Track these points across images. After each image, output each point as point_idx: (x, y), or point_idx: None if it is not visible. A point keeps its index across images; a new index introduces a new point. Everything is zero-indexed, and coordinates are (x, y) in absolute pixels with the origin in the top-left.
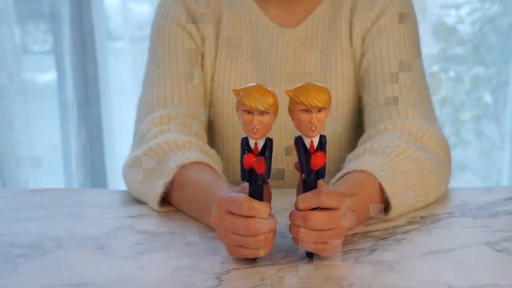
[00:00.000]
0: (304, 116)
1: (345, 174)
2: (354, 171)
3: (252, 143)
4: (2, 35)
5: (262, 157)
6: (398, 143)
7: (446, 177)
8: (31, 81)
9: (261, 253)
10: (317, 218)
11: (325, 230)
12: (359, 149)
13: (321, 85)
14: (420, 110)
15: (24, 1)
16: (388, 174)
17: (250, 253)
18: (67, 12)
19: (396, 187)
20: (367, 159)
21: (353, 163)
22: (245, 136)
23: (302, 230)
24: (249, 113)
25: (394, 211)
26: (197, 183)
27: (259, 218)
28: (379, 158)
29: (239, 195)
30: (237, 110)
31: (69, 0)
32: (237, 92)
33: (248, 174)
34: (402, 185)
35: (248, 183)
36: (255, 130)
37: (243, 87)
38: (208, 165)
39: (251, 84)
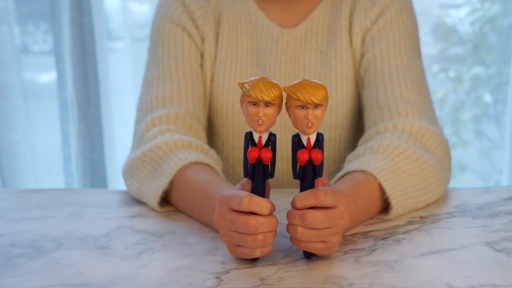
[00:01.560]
0: (300, 113)
1: (345, 174)
2: (354, 171)
3: (256, 137)
4: (2, 35)
5: (268, 148)
6: (398, 143)
7: (446, 177)
8: (31, 81)
9: (258, 253)
10: (315, 217)
11: (323, 228)
12: (359, 149)
13: (318, 81)
14: (420, 110)
15: (24, 1)
16: (388, 175)
17: (247, 253)
18: (67, 12)
19: (396, 187)
20: (367, 159)
21: (353, 163)
22: (249, 131)
23: (299, 229)
24: (254, 105)
25: (394, 211)
26: (197, 183)
27: (260, 213)
28: (379, 158)
29: (240, 191)
30: (242, 104)
31: (69, 0)
32: (242, 85)
33: (251, 170)
34: (402, 185)
35: (250, 180)
36: (260, 122)
37: (247, 80)
38: (208, 165)
39: (256, 77)
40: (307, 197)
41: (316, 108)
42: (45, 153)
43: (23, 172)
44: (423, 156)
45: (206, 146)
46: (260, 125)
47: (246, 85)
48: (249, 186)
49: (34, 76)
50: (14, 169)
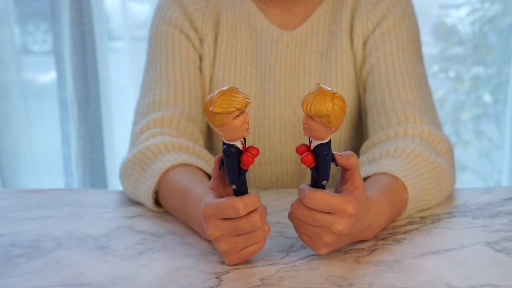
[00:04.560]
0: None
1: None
2: (375, 174)
3: (239, 144)
4: (2, 35)
5: (252, 146)
6: (413, 146)
7: (453, 183)
8: (31, 81)
9: (264, 242)
10: (298, 208)
11: (305, 223)
12: (374, 153)
13: (331, 94)
14: (427, 116)
15: (24, 1)
16: (409, 175)
17: (255, 249)
18: (67, 12)
19: (416, 188)
20: (388, 163)
21: (372, 166)
22: (226, 147)
23: (288, 212)
24: (238, 116)
25: (406, 212)
26: (177, 187)
27: (255, 208)
28: (397, 161)
29: (225, 200)
30: (220, 126)
31: (69, 0)
32: (218, 110)
33: (242, 175)
34: (421, 187)
35: (232, 185)
36: (247, 126)
37: (214, 105)
38: (196, 166)
39: (213, 95)
40: (302, 191)
41: (311, 118)
42: (45, 153)
43: (23, 172)
44: (437, 159)
45: (198, 148)
46: (247, 129)
47: (223, 107)
48: (225, 190)
49: (34, 76)
50: (14, 169)
